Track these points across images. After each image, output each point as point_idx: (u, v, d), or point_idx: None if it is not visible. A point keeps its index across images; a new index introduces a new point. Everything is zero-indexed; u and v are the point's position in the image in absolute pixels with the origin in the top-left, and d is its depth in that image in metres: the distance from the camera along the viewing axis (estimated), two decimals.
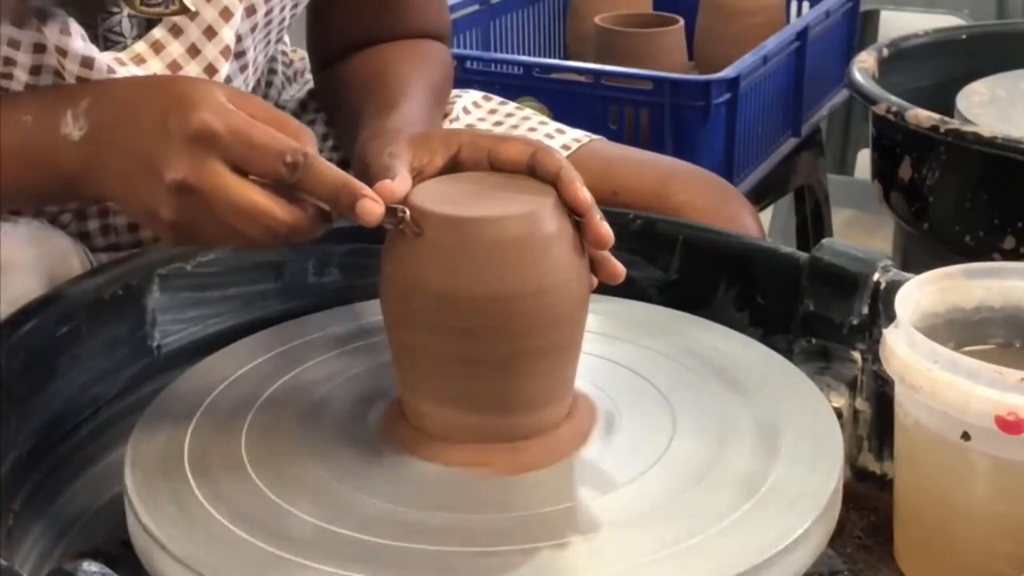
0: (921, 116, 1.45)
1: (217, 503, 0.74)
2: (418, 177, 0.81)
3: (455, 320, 0.76)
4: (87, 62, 0.91)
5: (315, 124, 1.18)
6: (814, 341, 0.92)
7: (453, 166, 0.83)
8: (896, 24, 2.49)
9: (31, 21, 0.89)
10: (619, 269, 0.82)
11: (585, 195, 0.78)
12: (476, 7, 1.90)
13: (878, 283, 0.89)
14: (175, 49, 0.96)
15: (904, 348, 0.78)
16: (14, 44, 0.90)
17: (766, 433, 0.80)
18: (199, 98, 0.78)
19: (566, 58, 2.04)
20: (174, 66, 0.95)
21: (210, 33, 0.96)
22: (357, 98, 1.04)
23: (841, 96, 2.02)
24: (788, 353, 0.91)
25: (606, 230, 0.78)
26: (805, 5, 2.04)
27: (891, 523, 0.85)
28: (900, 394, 0.81)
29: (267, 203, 0.76)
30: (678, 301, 0.97)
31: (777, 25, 1.90)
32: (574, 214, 0.79)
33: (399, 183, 0.78)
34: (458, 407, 0.78)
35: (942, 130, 1.42)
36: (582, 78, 1.67)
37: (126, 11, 0.95)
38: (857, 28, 2.08)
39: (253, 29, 1.00)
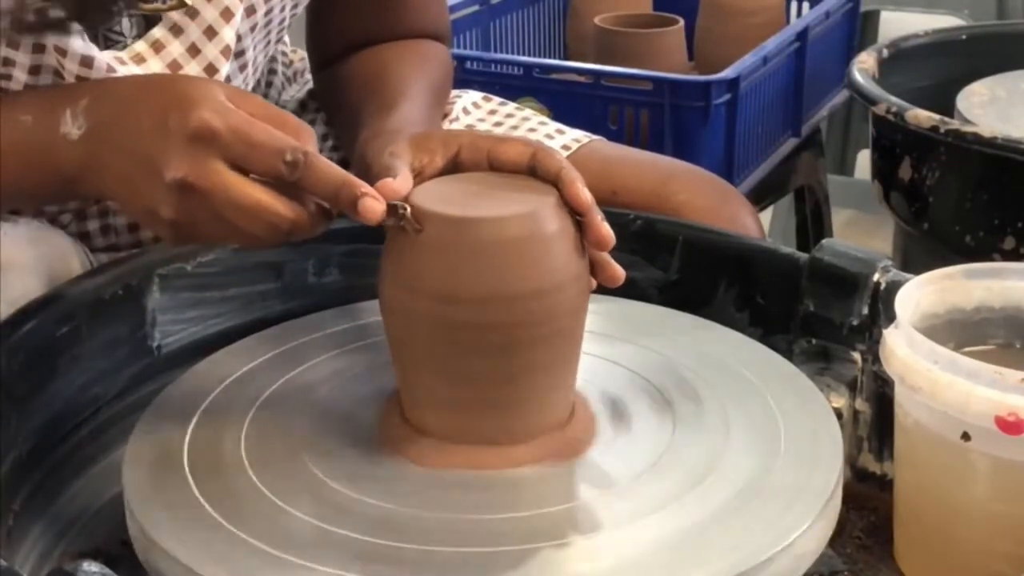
0: (921, 116, 1.45)
1: (217, 503, 0.74)
2: (418, 177, 0.81)
3: (455, 320, 0.76)
4: (87, 61, 0.91)
5: (315, 124, 1.18)
6: (814, 341, 0.92)
7: (453, 167, 0.83)
8: (896, 24, 2.49)
9: (35, 30, 0.89)
10: (619, 272, 0.82)
11: (586, 195, 0.78)
12: (476, 7, 1.90)
13: (878, 283, 0.89)
14: (175, 48, 0.96)
15: (904, 348, 0.78)
16: (13, 44, 0.90)
17: (766, 433, 0.80)
18: (199, 97, 0.78)
19: (566, 58, 2.04)
20: (174, 65, 0.96)
21: (210, 33, 0.96)
22: (357, 98, 1.04)
23: (841, 96, 2.02)
24: (788, 353, 0.91)
25: (607, 231, 0.78)
26: (805, 5, 2.04)
27: (891, 523, 0.85)
28: (900, 394, 0.81)
29: (269, 199, 0.76)
30: (678, 301, 0.97)
31: (777, 25, 1.90)
32: (575, 214, 0.79)
33: (401, 181, 0.78)
34: (458, 407, 0.78)
35: (942, 130, 1.42)
36: (582, 78, 1.67)
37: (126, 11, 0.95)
38: (857, 28, 2.08)
39: (253, 29, 1.00)
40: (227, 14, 0.96)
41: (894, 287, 0.85)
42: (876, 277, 0.89)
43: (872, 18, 2.56)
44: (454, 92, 1.20)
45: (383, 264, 0.79)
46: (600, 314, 0.88)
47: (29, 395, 0.84)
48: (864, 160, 2.31)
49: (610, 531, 0.73)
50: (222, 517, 0.73)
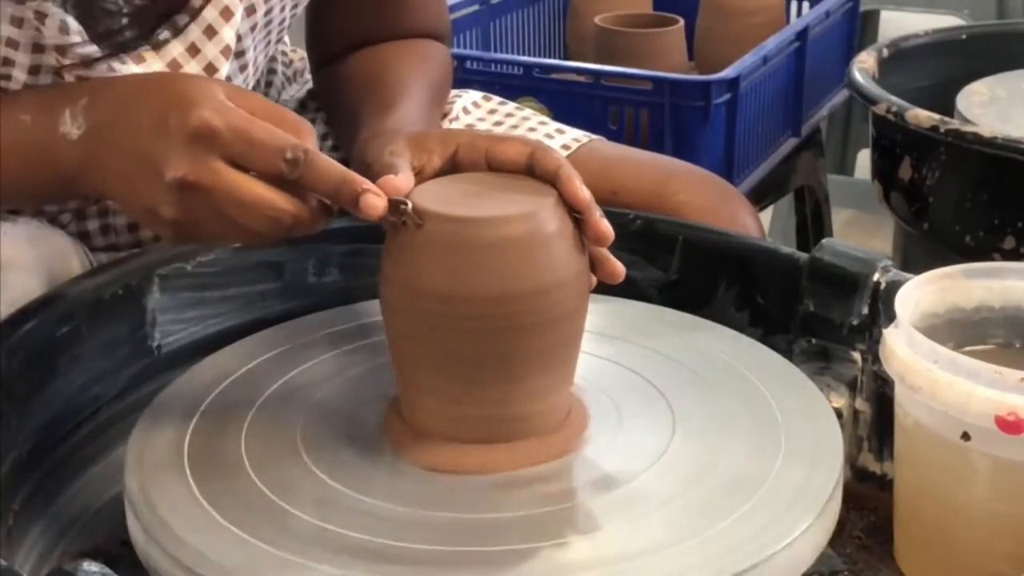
0: (921, 116, 1.45)
1: (217, 503, 0.74)
2: (417, 177, 0.81)
3: (455, 320, 0.76)
4: (87, 61, 0.91)
5: (315, 123, 1.18)
6: (814, 341, 0.92)
7: (451, 166, 0.83)
8: (896, 24, 2.49)
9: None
10: (619, 268, 0.82)
11: (584, 193, 0.78)
12: (476, 7, 1.90)
13: (878, 283, 0.89)
14: (175, 48, 0.96)
15: (904, 348, 0.78)
16: (12, 44, 0.90)
17: (766, 433, 0.80)
18: (198, 95, 0.78)
19: (566, 58, 2.04)
20: (174, 65, 0.95)
21: (210, 32, 0.96)
22: (356, 98, 1.04)
23: (841, 96, 2.02)
24: (788, 353, 0.91)
25: (606, 227, 0.79)
26: (805, 5, 2.04)
27: (891, 523, 0.85)
28: (900, 394, 0.81)
29: (270, 194, 0.76)
30: (678, 301, 0.97)
31: (777, 25, 1.90)
32: (574, 212, 0.79)
33: (403, 179, 0.78)
34: (458, 407, 0.78)
35: (942, 130, 1.42)
36: (582, 78, 1.67)
37: (125, 10, 0.95)
38: (857, 28, 2.08)
39: (253, 29, 1.00)
40: (227, 14, 0.96)
41: (894, 287, 0.85)
42: (876, 277, 0.89)
43: (872, 18, 2.56)
44: (454, 92, 1.20)
45: (383, 264, 0.79)
46: (600, 314, 0.88)
47: (29, 395, 0.84)
48: (864, 160, 2.31)
49: (609, 531, 0.73)
50: (222, 517, 0.73)
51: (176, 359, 0.93)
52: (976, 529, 0.78)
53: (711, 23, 1.96)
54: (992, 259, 1.35)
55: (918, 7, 2.47)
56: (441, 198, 0.78)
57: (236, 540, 0.71)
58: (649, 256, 0.99)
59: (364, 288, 0.95)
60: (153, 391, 0.87)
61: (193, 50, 0.96)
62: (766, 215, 2.26)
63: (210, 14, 0.95)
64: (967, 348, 0.83)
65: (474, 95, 1.22)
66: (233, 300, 0.97)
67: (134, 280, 0.92)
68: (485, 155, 0.82)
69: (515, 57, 1.88)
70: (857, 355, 0.90)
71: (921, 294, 0.83)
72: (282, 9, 1.03)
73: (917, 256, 1.57)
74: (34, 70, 0.92)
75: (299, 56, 1.27)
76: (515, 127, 1.17)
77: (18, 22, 0.89)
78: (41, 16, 0.89)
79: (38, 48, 0.91)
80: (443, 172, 0.82)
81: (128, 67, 0.94)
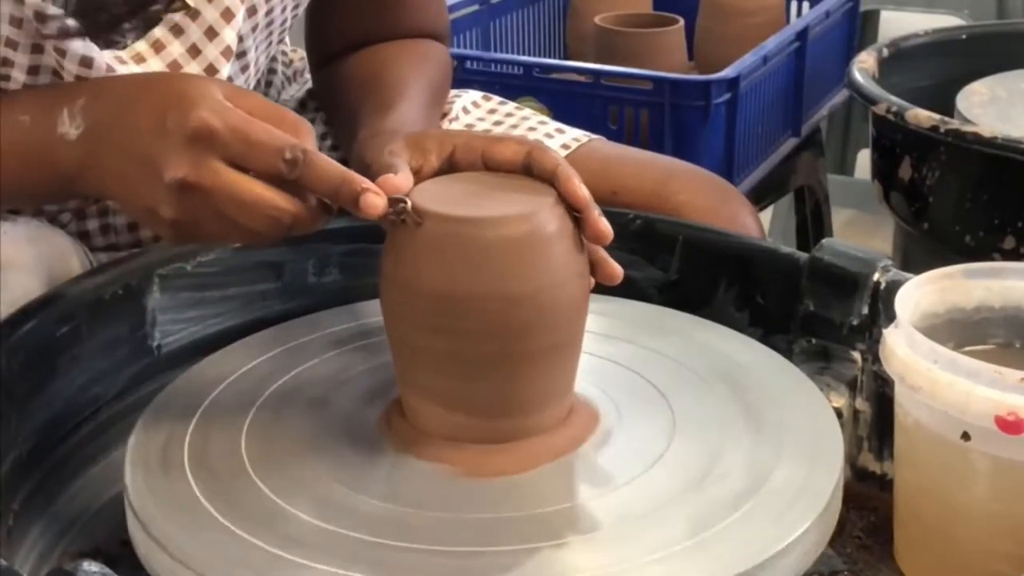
0: (921, 116, 1.45)
1: (217, 503, 0.74)
2: (415, 177, 0.81)
3: (455, 320, 0.76)
4: (86, 62, 0.91)
5: (314, 123, 1.18)
6: (814, 341, 0.92)
7: (448, 167, 0.83)
8: (896, 24, 2.49)
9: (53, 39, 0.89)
10: (617, 270, 0.82)
11: (583, 191, 0.78)
12: (476, 7, 1.90)
13: (878, 283, 0.89)
14: (175, 49, 0.96)
15: (904, 348, 0.78)
16: (12, 44, 0.90)
17: (766, 433, 0.80)
18: (197, 96, 0.78)
19: (566, 58, 2.04)
20: (174, 65, 0.95)
21: (211, 33, 0.96)
22: (355, 98, 1.04)
23: (841, 96, 2.02)
24: (788, 353, 0.91)
25: (605, 225, 0.79)
26: (805, 5, 2.04)
27: (891, 523, 0.85)
28: (900, 394, 0.81)
29: (269, 193, 0.76)
30: (678, 301, 0.97)
31: (777, 25, 1.90)
32: (573, 211, 0.79)
33: (402, 178, 0.78)
34: (458, 407, 0.78)
35: (942, 130, 1.42)
36: (582, 78, 1.67)
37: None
38: (857, 28, 2.08)
39: (254, 29, 1.00)
40: (228, 15, 0.96)
41: (894, 287, 0.85)
42: (876, 277, 0.89)
43: (872, 18, 2.56)
44: (453, 91, 1.20)
45: (383, 264, 0.79)
46: (600, 314, 0.88)
47: (29, 395, 0.84)
48: (864, 160, 2.31)
49: (609, 531, 0.73)
50: (222, 517, 0.73)
51: (176, 359, 0.93)
52: (976, 529, 0.78)
53: (711, 23, 1.96)
54: (992, 259, 1.35)
55: (918, 7, 2.47)
56: (441, 198, 0.78)
57: (236, 540, 0.71)
58: (649, 256, 0.99)
59: (364, 288, 0.95)
60: (153, 391, 0.87)
61: (194, 51, 0.96)
62: (766, 215, 2.26)
63: (211, 15, 0.95)
64: (967, 348, 0.83)
65: (474, 95, 1.22)
66: (233, 300, 0.97)
67: (134, 280, 0.92)
68: (482, 156, 0.82)
69: (515, 57, 1.88)
70: (857, 355, 0.90)
71: (921, 294, 0.83)
72: (283, 10, 1.03)
73: (917, 256, 1.57)
74: (33, 70, 0.92)
75: (299, 56, 1.27)
76: (515, 127, 1.17)
77: (17, 22, 0.89)
78: (41, 17, 0.89)
79: (37, 48, 0.91)
80: (440, 173, 0.82)
81: (128, 67, 0.94)
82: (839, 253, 0.91)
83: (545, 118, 1.20)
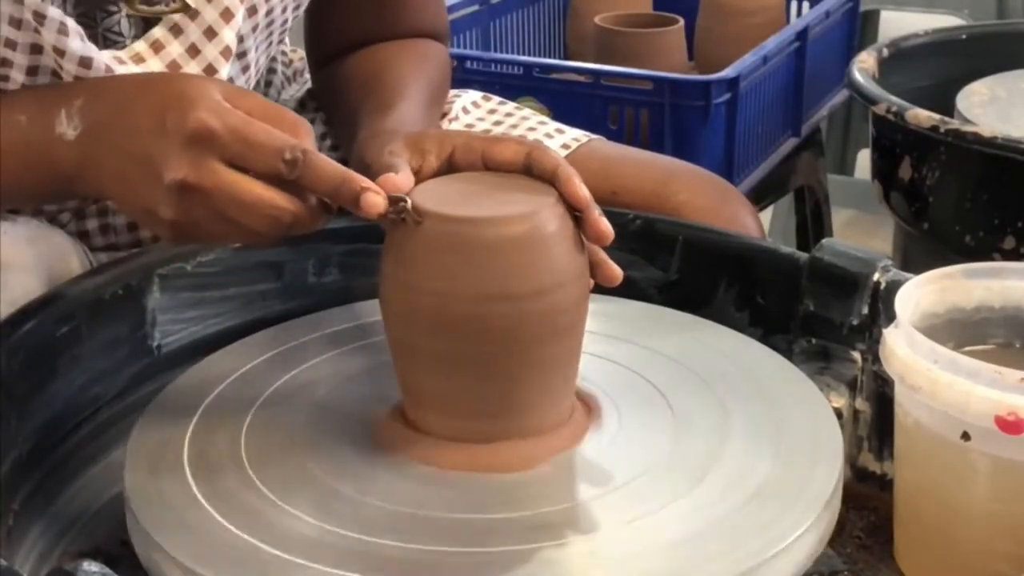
0: (921, 116, 1.45)
1: (217, 503, 0.74)
2: (415, 177, 0.81)
3: (454, 320, 0.76)
4: (85, 62, 0.91)
5: (314, 123, 1.18)
6: (814, 341, 0.92)
7: (448, 167, 0.83)
8: (896, 24, 2.49)
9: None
10: (616, 272, 0.82)
11: (583, 191, 0.78)
12: (476, 7, 1.90)
13: (878, 283, 0.89)
14: (175, 49, 0.95)
15: (904, 348, 0.78)
16: (11, 45, 0.90)
17: (766, 433, 0.80)
18: (196, 96, 0.78)
19: (566, 58, 2.04)
20: (173, 66, 0.95)
21: (210, 34, 0.96)
22: (355, 98, 1.04)
23: (841, 96, 2.02)
24: (788, 353, 0.91)
25: (605, 225, 0.79)
26: (805, 5, 2.04)
27: (891, 523, 0.85)
28: (900, 394, 0.81)
29: (269, 193, 0.76)
30: (678, 301, 0.97)
31: (777, 25, 1.90)
32: (573, 211, 0.78)
33: (402, 177, 0.78)
34: (458, 407, 0.78)
35: (942, 130, 1.42)
36: (582, 78, 1.67)
37: (124, 11, 0.95)
38: (857, 28, 2.08)
39: (254, 29, 1.00)
40: (227, 15, 0.96)
41: (894, 287, 0.85)
42: (876, 277, 0.89)
43: (872, 18, 2.56)
44: (453, 91, 1.20)
45: (383, 264, 0.79)
46: (600, 314, 0.88)
47: (29, 395, 0.84)
48: (864, 160, 2.31)
49: (609, 531, 0.73)
50: (222, 517, 0.73)
51: (176, 359, 0.93)
52: (976, 529, 0.78)
53: (711, 23, 1.96)
54: (992, 259, 1.35)
55: (918, 7, 2.47)
56: (441, 198, 0.78)
57: (236, 540, 0.71)
58: (649, 256, 0.99)
59: (364, 288, 0.95)
60: (153, 391, 0.87)
61: (193, 51, 0.96)
62: (766, 215, 2.26)
63: (210, 15, 0.95)
64: (967, 348, 0.83)
65: (474, 95, 1.22)
66: (233, 300, 0.97)
67: (134, 280, 0.92)
68: (482, 156, 0.82)
69: (515, 57, 1.88)
70: (857, 355, 0.90)
71: (921, 294, 0.83)
72: (283, 10, 1.03)
73: (917, 256, 1.57)
74: (32, 71, 0.92)
75: (299, 56, 1.27)
76: (515, 127, 1.17)
77: (16, 23, 0.89)
78: (40, 17, 0.89)
79: (36, 49, 0.91)
80: (440, 173, 0.82)
81: (127, 68, 0.94)
82: (839, 253, 0.91)
83: (545, 118, 1.20)
